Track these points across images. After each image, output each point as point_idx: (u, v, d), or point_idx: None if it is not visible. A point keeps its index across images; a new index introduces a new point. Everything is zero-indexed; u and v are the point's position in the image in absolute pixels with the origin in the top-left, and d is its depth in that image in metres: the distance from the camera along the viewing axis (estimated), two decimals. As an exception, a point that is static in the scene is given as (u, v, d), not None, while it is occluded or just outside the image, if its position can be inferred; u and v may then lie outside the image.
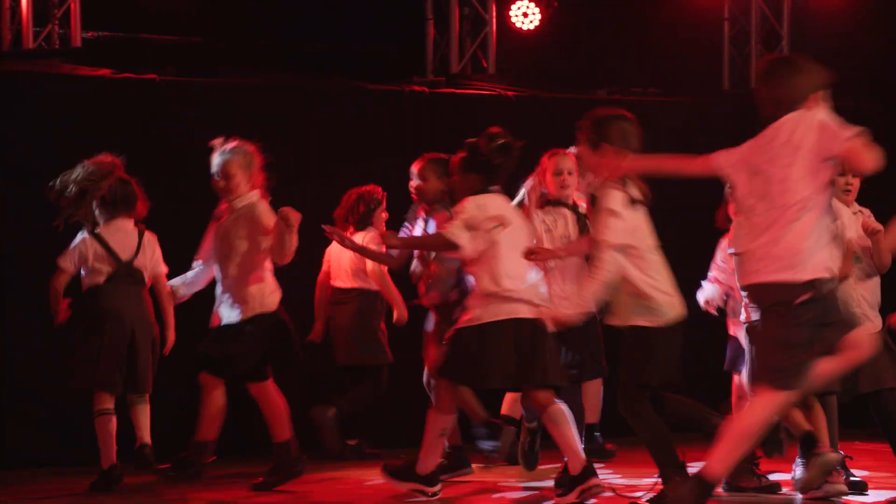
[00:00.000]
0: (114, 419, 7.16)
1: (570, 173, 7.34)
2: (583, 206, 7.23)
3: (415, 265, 7.45)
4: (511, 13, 10.18)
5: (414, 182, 7.41)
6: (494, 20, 9.96)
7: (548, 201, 7.38)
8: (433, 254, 7.25)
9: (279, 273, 7.23)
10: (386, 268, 8.15)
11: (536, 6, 10.22)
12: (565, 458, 6.53)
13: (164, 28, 9.28)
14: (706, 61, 10.73)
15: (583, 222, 7.21)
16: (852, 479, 6.85)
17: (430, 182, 7.35)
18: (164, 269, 7.38)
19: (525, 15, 10.22)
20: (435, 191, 7.34)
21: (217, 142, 7.18)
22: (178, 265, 7.44)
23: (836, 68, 11.13)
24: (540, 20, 10.22)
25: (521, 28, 10.21)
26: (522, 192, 7.41)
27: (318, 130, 9.10)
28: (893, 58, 11.50)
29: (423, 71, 9.88)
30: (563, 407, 6.40)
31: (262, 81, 9.16)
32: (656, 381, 6.13)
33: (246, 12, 9.54)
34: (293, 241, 6.89)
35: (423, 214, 7.42)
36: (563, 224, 7.28)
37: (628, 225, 6.07)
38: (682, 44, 10.60)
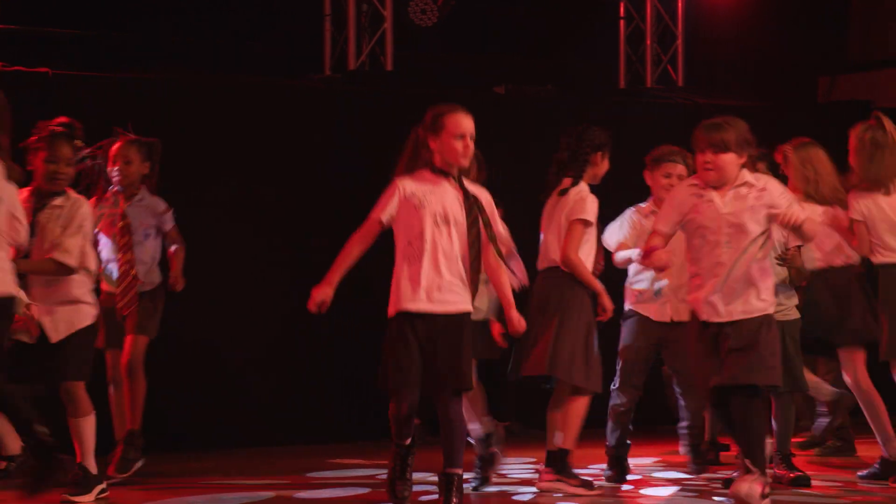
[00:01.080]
0: None
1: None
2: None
3: None
4: (409, 10, 10.17)
5: (118, 164, 7.30)
6: (392, 17, 9.95)
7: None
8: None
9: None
10: None
11: (434, 3, 10.22)
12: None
13: (58, 21, 9.13)
14: (602, 60, 10.82)
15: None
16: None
17: (134, 165, 7.33)
18: None
19: (423, 12, 10.22)
20: (138, 174, 7.34)
21: None
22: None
23: (730, 67, 11.40)
24: (437, 17, 10.22)
25: (418, 25, 10.21)
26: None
27: (216, 126, 9.02)
28: (785, 57, 11.70)
29: (321, 67, 9.84)
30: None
31: (157, 76, 9.05)
32: None
33: (143, 6, 9.43)
34: None
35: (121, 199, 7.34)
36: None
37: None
38: (578, 42, 10.69)
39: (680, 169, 6.93)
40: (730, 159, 6.22)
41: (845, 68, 12.10)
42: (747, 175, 6.29)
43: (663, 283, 7.04)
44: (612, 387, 7.12)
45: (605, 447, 7.15)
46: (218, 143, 8.98)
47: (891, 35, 12.01)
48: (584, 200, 6.58)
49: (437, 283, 6.01)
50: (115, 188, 7.34)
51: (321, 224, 9.06)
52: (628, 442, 7.14)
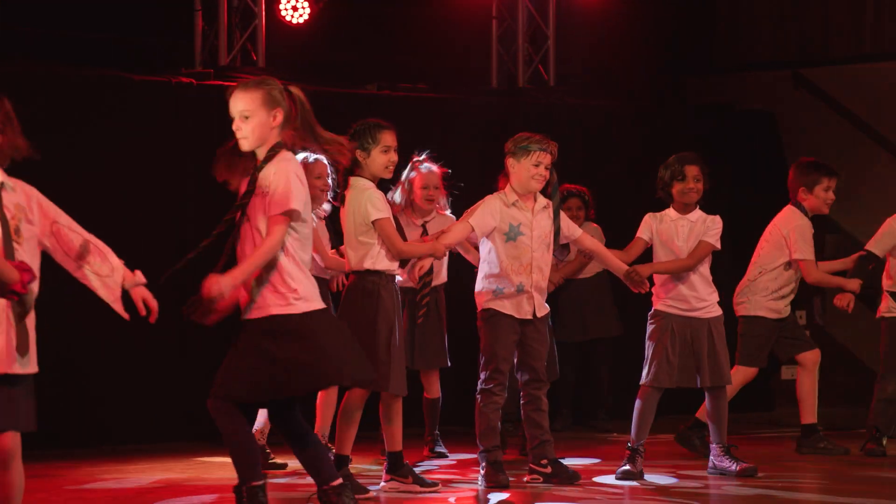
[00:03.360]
0: None
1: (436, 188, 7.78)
2: None
3: None
4: (281, 6, 10.12)
5: None
6: (264, 13, 9.88)
7: None
8: None
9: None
10: None
11: (306, 0, 10.19)
12: None
13: None
14: (475, 59, 10.88)
15: None
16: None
17: None
18: None
19: (294, 9, 10.18)
20: None
21: None
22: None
23: (598, 68, 11.55)
24: (310, 14, 10.19)
25: (290, 21, 10.17)
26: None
27: (83, 122, 8.87)
28: (653, 58, 11.88)
29: (192, 63, 9.74)
30: None
31: (23, 69, 8.87)
32: None
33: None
34: None
35: None
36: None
37: None
38: (451, 41, 10.73)
39: (548, 159, 6.93)
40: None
41: (711, 71, 12.33)
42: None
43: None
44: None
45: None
46: (84, 139, 8.83)
47: (754, 38, 12.27)
48: (370, 201, 6.50)
49: None
50: None
51: (190, 220, 8.99)
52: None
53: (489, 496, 6.59)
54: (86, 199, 8.39)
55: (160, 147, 9.03)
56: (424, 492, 6.59)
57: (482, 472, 6.83)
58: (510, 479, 6.84)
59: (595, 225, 9.20)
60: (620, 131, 10.61)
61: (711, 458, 7.25)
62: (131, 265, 8.67)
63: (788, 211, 8.02)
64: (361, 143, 6.57)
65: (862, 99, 11.58)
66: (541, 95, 10.72)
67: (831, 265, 8.23)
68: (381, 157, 6.56)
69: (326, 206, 7.62)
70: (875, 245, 8.12)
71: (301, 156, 7.64)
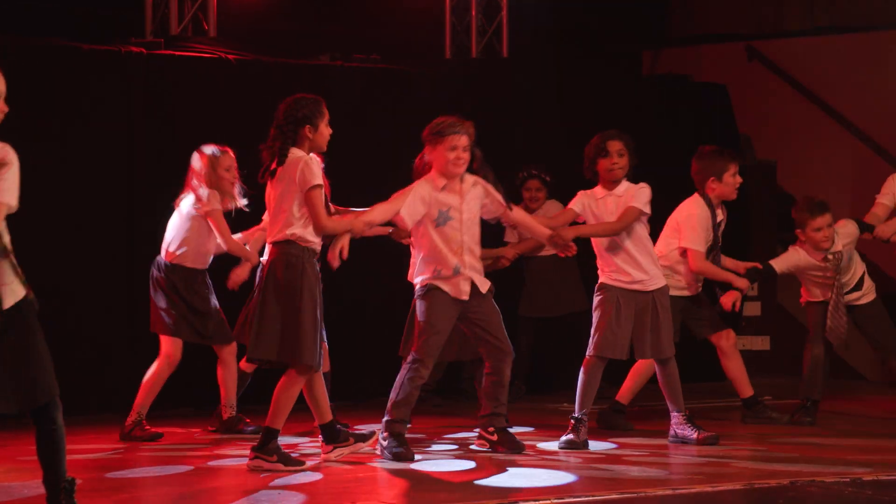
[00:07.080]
0: None
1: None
2: None
3: None
4: (233, -24, 10.07)
5: None
6: (216, -18, 9.82)
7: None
8: None
9: None
10: None
11: (259, -31, 10.14)
12: None
13: None
14: (428, 30, 10.85)
15: None
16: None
17: None
18: None
19: (247, -22, 10.13)
20: None
21: None
22: None
23: (552, 40, 11.51)
24: (263, -17, 10.15)
25: (243, -9, 10.12)
26: None
27: (31, 91, 8.80)
28: (610, 30, 11.88)
29: (143, 32, 9.67)
30: None
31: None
32: None
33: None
34: None
35: None
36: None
37: None
38: (405, 11, 10.70)
39: (464, 141, 6.91)
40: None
41: (667, 43, 12.36)
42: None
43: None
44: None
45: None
46: (32, 109, 8.77)
47: (710, 10, 12.30)
48: (308, 167, 6.45)
49: None
50: None
51: (140, 190, 8.96)
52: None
53: (394, 465, 6.60)
54: (33, 169, 8.32)
55: (110, 117, 8.97)
56: (362, 447, 6.72)
57: (384, 442, 6.81)
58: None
59: (558, 203, 9.22)
60: (574, 103, 10.62)
61: (672, 426, 7.35)
62: (80, 236, 8.75)
63: (691, 200, 7.93)
64: (311, 119, 6.55)
65: (814, 72, 11.65)
66: (494, 67, 10.71)
67: (724, 262, 8.10)
68: (326, 131, 6.61)
69: (243, 200, 7.63)
70: (778, 263, 8.10)
71: (209, 149, 7.61)
